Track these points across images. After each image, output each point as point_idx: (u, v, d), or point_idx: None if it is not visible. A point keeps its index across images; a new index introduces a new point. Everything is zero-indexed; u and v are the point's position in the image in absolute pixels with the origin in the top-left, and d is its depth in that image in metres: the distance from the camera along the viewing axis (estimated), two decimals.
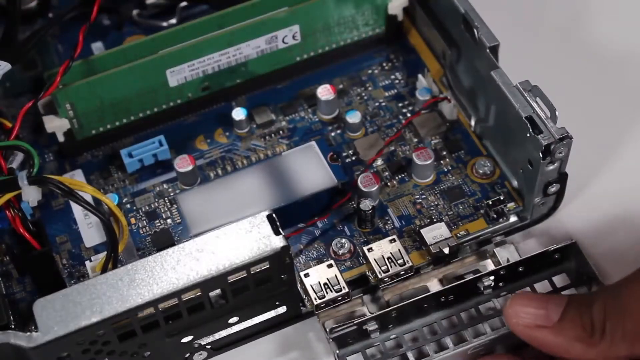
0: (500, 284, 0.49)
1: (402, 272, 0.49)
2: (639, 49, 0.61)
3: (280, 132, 0.57)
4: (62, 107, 0.54)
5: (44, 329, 0.41)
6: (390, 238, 0.50)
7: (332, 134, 0.57)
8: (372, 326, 0.47)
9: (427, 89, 0.57)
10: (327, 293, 0.48)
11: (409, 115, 0.57)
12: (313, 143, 0.55)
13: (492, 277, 0.48)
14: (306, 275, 0.49)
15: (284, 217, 0.47)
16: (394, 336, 0.48)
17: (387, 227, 0.53)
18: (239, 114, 0.57)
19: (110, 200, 0.48)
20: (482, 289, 0.48)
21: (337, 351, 0.46)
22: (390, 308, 0.47)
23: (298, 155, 0.55)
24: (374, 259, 0.49)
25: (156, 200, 0.55)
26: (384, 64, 0.60)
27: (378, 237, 0.51)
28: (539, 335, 0.43)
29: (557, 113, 0.47)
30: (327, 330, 0.47)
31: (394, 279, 0.50)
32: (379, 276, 0.49)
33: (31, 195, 0.46)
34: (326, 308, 0.49)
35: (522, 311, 0.43)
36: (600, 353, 0.41)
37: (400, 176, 0.55)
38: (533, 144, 0.48)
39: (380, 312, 0.47)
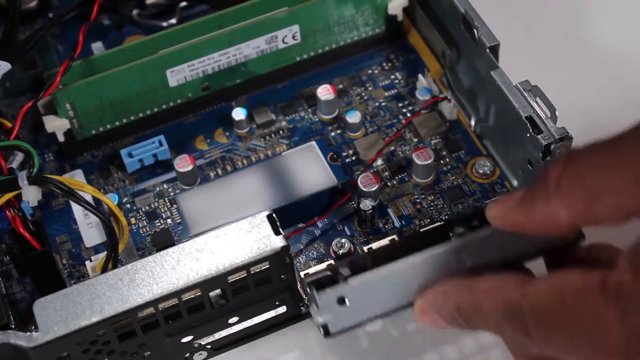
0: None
1: None
2: (639, 49, 0.61)
3: (280, 132, 0.57)
4: (62, 107, 0.54)
5: (44, 328, 0.41)
6: (390, 238, 0.50)
7: (332, 134, 0.57)
8: (345, 272, 0.45)
9: (427, 89, 0.57)
10: None
11: (409, 115, 0.57)
12: (313, 143, 0.55)
13: (464, 226, 0.46)
14: (306, 275, 0.48)
15: (284, 217, 0.47)
16: None
17: (387, 227, 0.53)
18: (239, 114, 0.57)
19: (110, 200, 0.48)
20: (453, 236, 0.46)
21: (315, 292, 0.43)
22: (362, 254, 0.46)
23: (298, 155, 0.55)
24: None
25: (156, 200, 0.55)
26: (384, 64, 0.60)
27: (378, 237, 0.51)
28: (511, 218, 0.41)
29: (557, 113, 0.47)
30: (302, 275, 0.46)
31: None
32: None
33: (31, 195, 0.46)
34: None
35: (497, 211, 0.41)
36: (559, 207, 0.38)
37: (400, 176, 0.55)
38: (533, 144, 0.48)
39: (352, 258, 0.46)
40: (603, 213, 0.37)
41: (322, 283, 0.41)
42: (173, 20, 0.62)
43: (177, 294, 0.42)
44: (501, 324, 0.39)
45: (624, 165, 0.36)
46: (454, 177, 0.54)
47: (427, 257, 0.42)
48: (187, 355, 0.48)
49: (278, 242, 0.43)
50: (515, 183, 0.53)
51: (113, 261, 0.47)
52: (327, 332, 0.42)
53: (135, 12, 0.62)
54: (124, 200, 0.55)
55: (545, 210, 0.38)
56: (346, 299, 0.41)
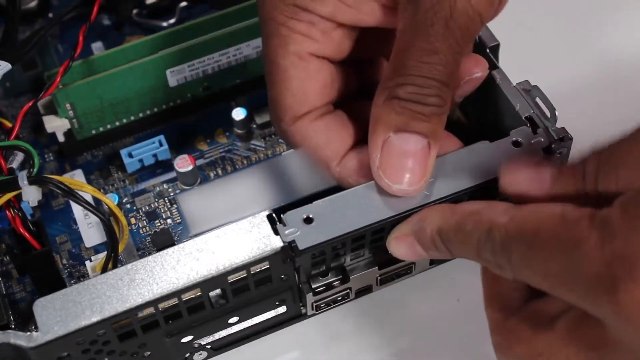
0: None
1: (401, 272, 0.49)
2: (639, 49, 0.61)
3: None
4: (62, 107, 0.54)
5: (44, 328, 0.41)
6: None
7: None
8: None
9: None
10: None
11: None
12: None
13: None
14: None
15: None
16: None
17: None
18: (239, 114, 0.57)
19: (110, 200, 0.48)
20: None
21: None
22: None
23: (298, 155, 0.55)
24: None
25: (156, 200, 0.55)
26: None
27: None
28: (531, 192, 0.40)
29: (557, 113, 0.47)
30: None
31: (394, 279, 0.50)
32: None
33: (31, 195, 0.46)
34: (326, 308, 0.49)
35: (515, 179, 0.41)
36: (591, 199, 0.38)
37: None
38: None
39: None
40: None
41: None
42: (173, 20, 0.62)
43: (177, 293, 0.42)
44: (481, 246, 0.38)
45: None
46: None
47: None
48: (187, 355, 0.48)
49: (278, 242, 0.43)
50: None
51: (113, 261, 0.47)
52: (296, 252, 0.43)
53: (135, 12, 0.62)
54: (124, 201, 0.55)
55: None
56: (313, 217, 0.43)
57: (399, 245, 0.43)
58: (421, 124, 0.42)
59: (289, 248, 0.43)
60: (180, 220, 0.54)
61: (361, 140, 0.46)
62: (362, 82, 0.48)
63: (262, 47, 0.46)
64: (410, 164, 0.42)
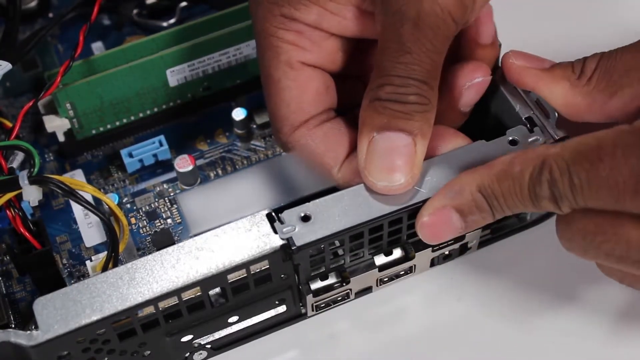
0: None
1: (402, 272, 0.49)
2: None
3: None
4: (62, 107, 0.54)
5: (44, 327, 0.41)
6: None
7: None
8: None
9: None
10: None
11: None
12: None
13: None
14: None
15: None
16: None
17: None
18: (239, 114, 0.57)
19: (110, 200, 0.48)
20: None
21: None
22: None
23: (299, 161, 0.55)
24: None
25: (156, 200, 0.55)
26: None
27: None
28: (530, 76, 0.45)
29: (556, 113, 0.47)
30: None
31: (393, 279, 0.50)
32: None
33: (32, 194, 0.47)
34: (326, 308, 0.49)
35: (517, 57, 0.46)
36: (580, 95, 0.43)
37: None
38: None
39: None
40: (616, 106, 0.41)
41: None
42: (173, 20, 0.62)
43: (177, 292, 0.42)
44: (535, 183, 0.39)
45: None
46: None
47: None
48: (187, 354, 0.48)
49: (277, 240, 0.43)
50: None
51: (113, 261, 0.47)
52: (293, 249, 0.43)
53: (135, 12, 0.62)
54: (124, 200, 0.55)
55: (569, 92, 0.43)
56: (310, 215, 0.44)
57: (433, 224, 0.43)
58: (403, 122, 0.42)
59: (287, 245, 0.43)
60: (180, 220, 0.54)
61: None
62: None
63: (258, 62, 0.46)
64: (394, 161, 0.43)
